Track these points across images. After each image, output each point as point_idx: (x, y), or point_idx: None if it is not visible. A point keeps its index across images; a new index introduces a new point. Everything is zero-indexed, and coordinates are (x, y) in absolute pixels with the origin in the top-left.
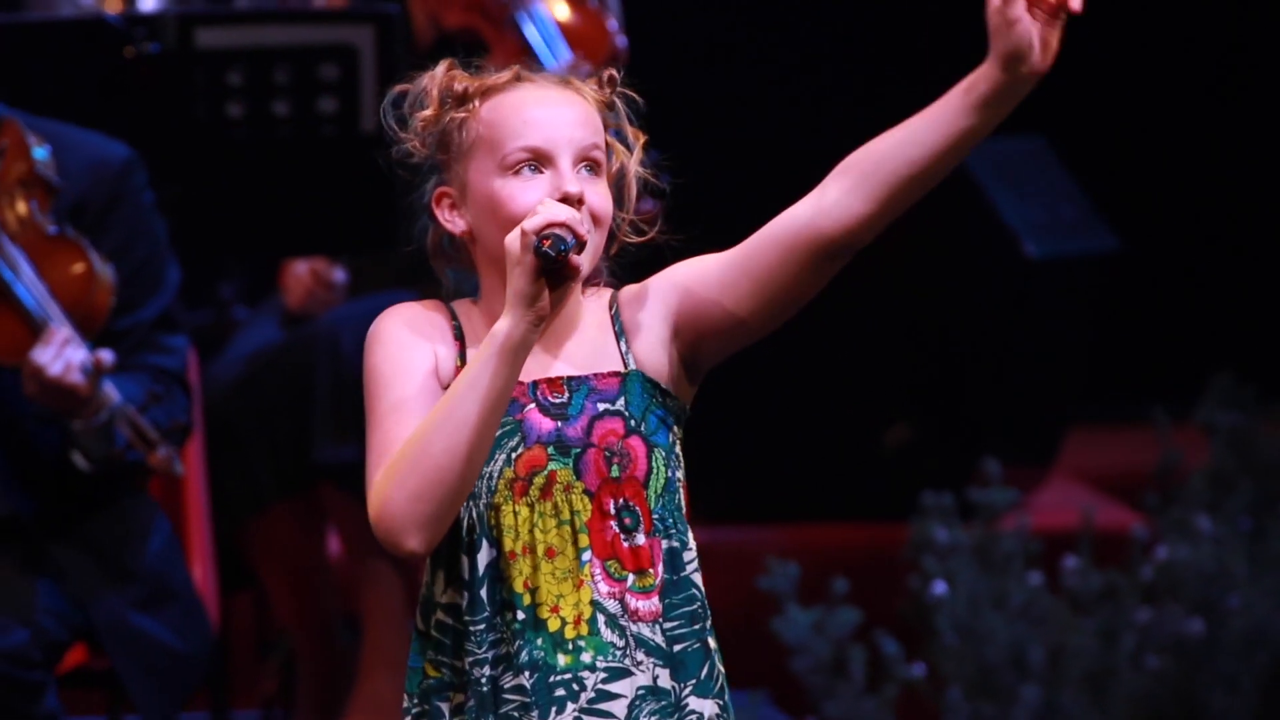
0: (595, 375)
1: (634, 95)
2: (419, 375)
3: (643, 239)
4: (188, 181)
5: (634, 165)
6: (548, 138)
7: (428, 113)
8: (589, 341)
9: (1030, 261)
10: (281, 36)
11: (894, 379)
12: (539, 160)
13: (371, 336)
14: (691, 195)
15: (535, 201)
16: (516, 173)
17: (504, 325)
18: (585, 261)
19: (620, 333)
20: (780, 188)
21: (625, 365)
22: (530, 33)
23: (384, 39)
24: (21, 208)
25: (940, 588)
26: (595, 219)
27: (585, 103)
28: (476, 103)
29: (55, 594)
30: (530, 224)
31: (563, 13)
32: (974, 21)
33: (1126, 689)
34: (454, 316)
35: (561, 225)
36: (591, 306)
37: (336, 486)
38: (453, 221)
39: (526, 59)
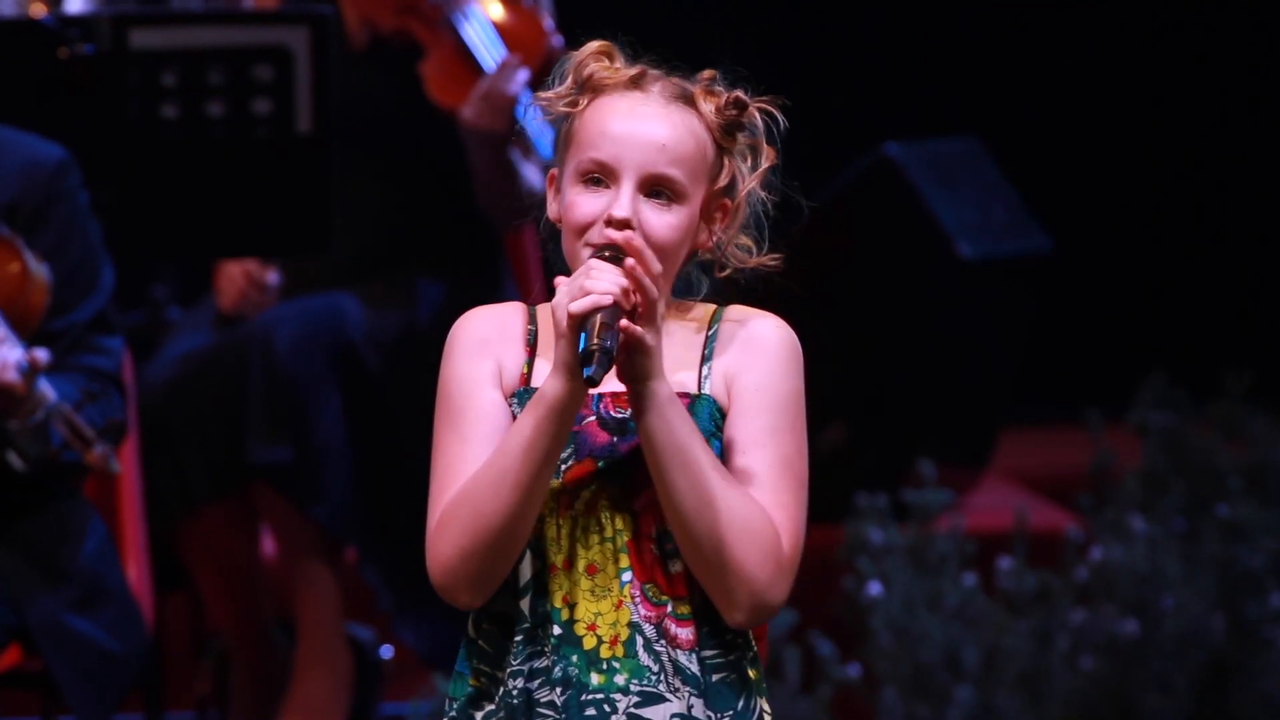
0: None
1: (774, 112)
2: (484, 401)
3: (749, 264)
4: (122, 183)
5: (750, 187)
6: (615, 155)
7: (549, 94)
8: (670, 358)
9: (964, 262)
10: (216, 38)
11: (827, 380)
12: (605, 176)
13: (446, 346)
14: None
15: (593, 214)
16: (586, 182)
17: (550, 387)
18: (650, 334)
19: (709, 356)
20: None
21: (700, 388)
22: (466, 33)
23: (318, 40)
24: None
25: (875, 589)
26: (652, 246)
27: (688, 123)
28: (585, 100)
29: None
30: (577, 306)
31: (497, 12)
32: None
33: (1061, 689)
34: (533, 320)
35: (603, 323)
36: (684, 321)
37: (270, 487)
38: (551, 204)
39: (463, 60)
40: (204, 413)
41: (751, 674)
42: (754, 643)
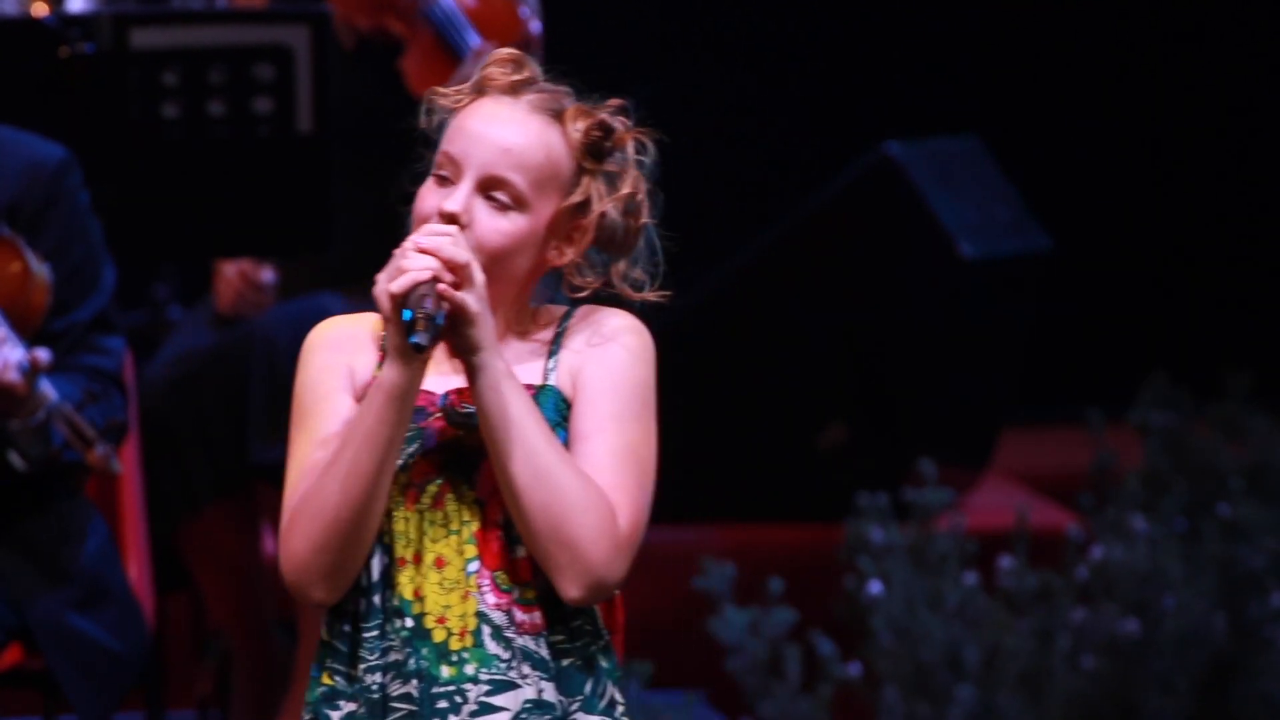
0: None
1: (645, 142)
2: (334, 404)
3: (594, 284)
4: (123, 182)
5: (604, 210)
6: (462, 150)
7: (446, 91)
8: (516, 354)
9: (965, 262)
10: (217, 37)
11: (829, 379)
12: (451, 171)
13: (301, 353)
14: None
15: (434, 208)
16: (436, 175)
17: (387, 374)
18: (471, 299)
19: (555, 350)
20: (710, 189)
21: (544, 379)
22: (442, 24)
23: (319, 39)
24: None
25: (876, 588)
26: (481, 248)
27: (545, 135)
28: (466, 99)
29: None
30: (396, 285)
31: (471, 2)
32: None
33: (1062, 689)
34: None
35: (425, 295)
36: (535, 323)
37: (272, 486)
38: None
39: (441, 53)
40: (205, 412)
41: (603, 662)
42: (605, 632)
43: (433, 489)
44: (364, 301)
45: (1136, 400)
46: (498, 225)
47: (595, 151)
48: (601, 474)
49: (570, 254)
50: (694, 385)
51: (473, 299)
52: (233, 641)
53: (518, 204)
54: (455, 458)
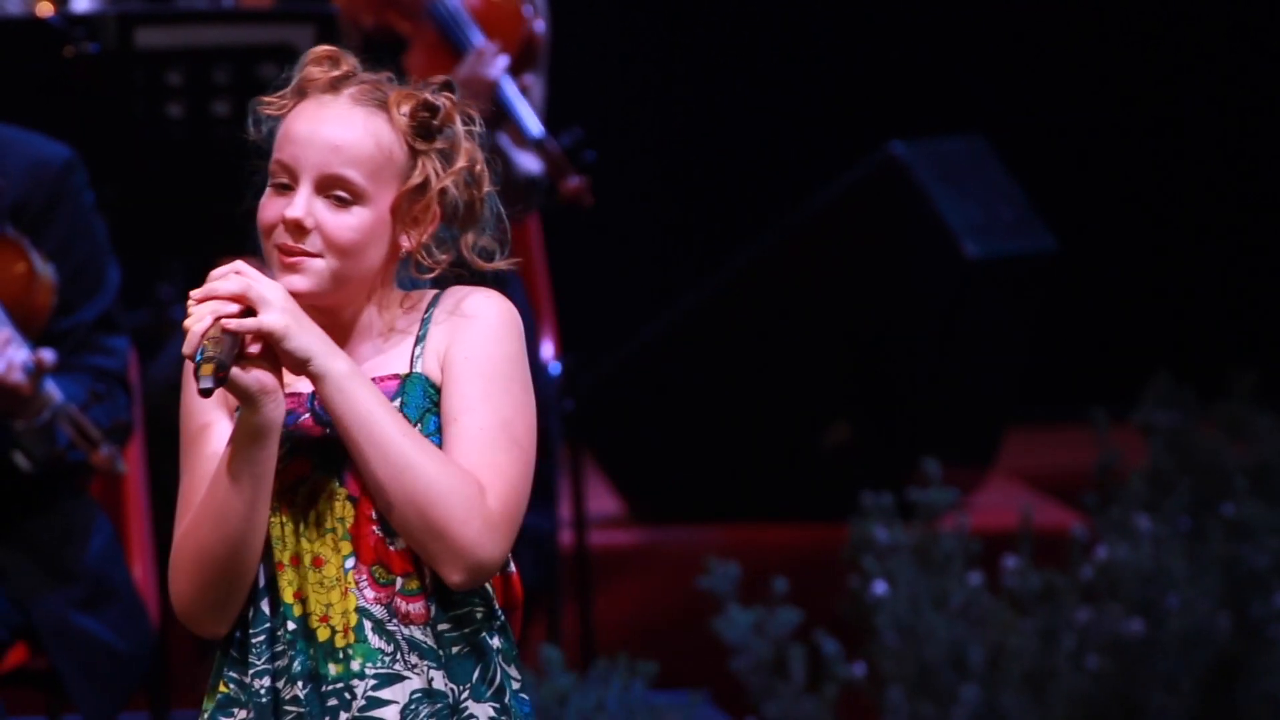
0: (375, 379)
1: (472, 113)
2: (211, 430)
3: (444, 262)
4: (128, 181)
5: (443, 186)
6: (294, 156)
7: (271, 99)
8: (382, 345)
9: (969, 262)
10: (221, 36)
11: (833, 379)
12: (288, 178)
13: (184, 375)
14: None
15: (277, 216)
16: (273, 184)
17: (242, 417)
18: (313, 283)
19: (422, 336)
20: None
21: (411, 367)
22: (444, 21)
23: (324, 39)
24: None
25: (880, 587)
26: (331, 245)
27: (371, 125)
28: (289, 104)
29: None
30: (187, 348)
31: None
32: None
33: (1066, 689)
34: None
35: (207, 339)
36: (403, 311)
37: None
38: None
39: (444, 50)
40: None
41: (496, 643)
42: (500, 613)
43: (304, 490)
44: None
45: (1141, 400)
46: (343, 222)
47: (424, 131)
48: (471, 454)
49: (419, 235)
50: (699, 385)
51: (272, 316)
52: None
53: (357, 198)
54: (325, 457)
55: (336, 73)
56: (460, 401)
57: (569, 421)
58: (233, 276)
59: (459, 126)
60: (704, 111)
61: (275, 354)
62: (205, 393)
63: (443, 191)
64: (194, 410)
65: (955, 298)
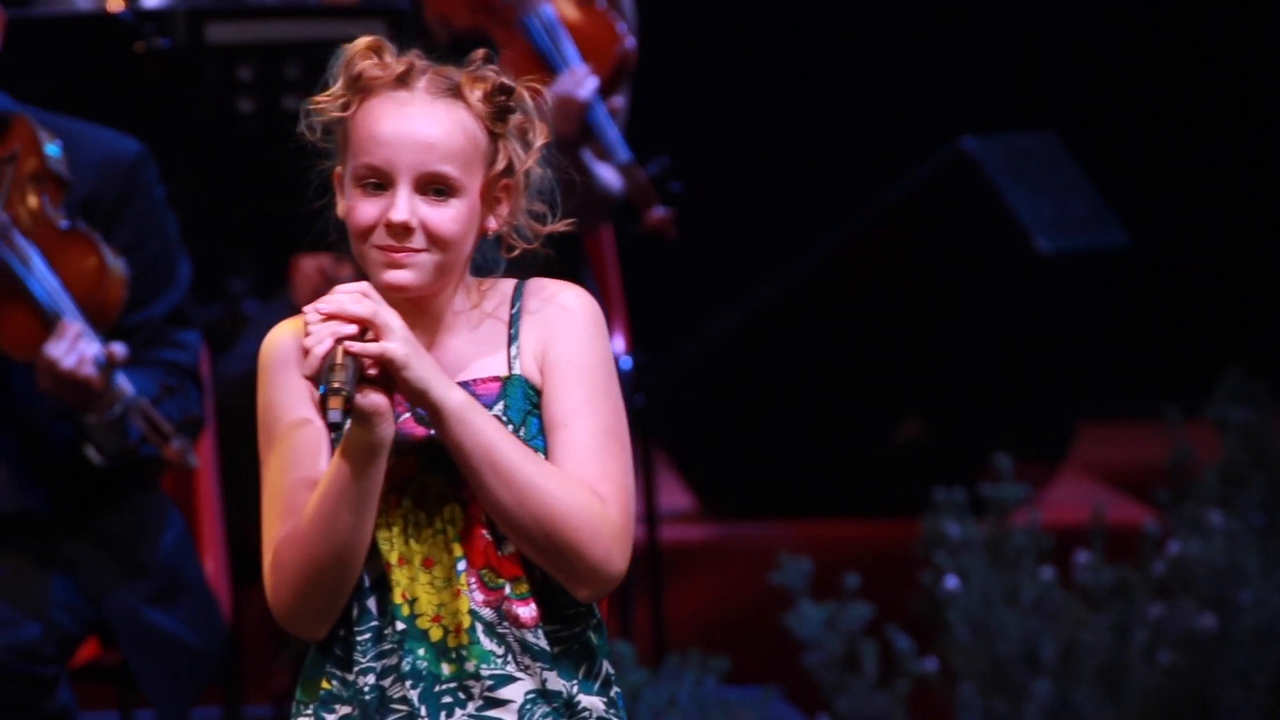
0: (475, 380)
1: (538, 88)
2: (296, 423)
3: (544, 231)
4: (198, 176)
5: (528, 166)
6: (387, 160)
7: (323, 99)
8: (477, 343)
9: (1041, 257)
10: (292, 31)
11: (906, 374)
12: (380, 179)
13: (259, 369)
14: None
15: (373, 219)
16: (364, 186)
17: (351, 434)
18: (419, 277)
19: (515, 336)
20: (779, 185)
21: (509, 369)
22: (538, 34)
23: (395, 34)
24: (33, 202)
25: (952, 583)
26: (435, 241)
27: (456, 117)
28: (355, 102)
29: (68, 589)
30: (306, 369)
31: (571, 14)
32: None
33: (1139, 684)
34: None
35: (335, 365)
36: (485, 305)
37: None
38: (340, 203)
39: (535, 61)
40: None
41: (595, 640)
42: (597, 610)
43: (414, 490)
44: None
45: (1214, 395)
46: (445, 215)
47: (501, 114)
48: (584, 463)
49: (505, 216)
50: (771, 380)
51: (395, 346)
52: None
53: (454, 191)
54: (432, 458)
55: (400, 67)
56: (567, 406)
57: (641, 417)
58: (361, 300)
59: (528, 101)
60: (776, 107)
61: (389, 376)
62: (334, 426)
63: (526, 170)
64: (280, 407)
65: (1027, 293)
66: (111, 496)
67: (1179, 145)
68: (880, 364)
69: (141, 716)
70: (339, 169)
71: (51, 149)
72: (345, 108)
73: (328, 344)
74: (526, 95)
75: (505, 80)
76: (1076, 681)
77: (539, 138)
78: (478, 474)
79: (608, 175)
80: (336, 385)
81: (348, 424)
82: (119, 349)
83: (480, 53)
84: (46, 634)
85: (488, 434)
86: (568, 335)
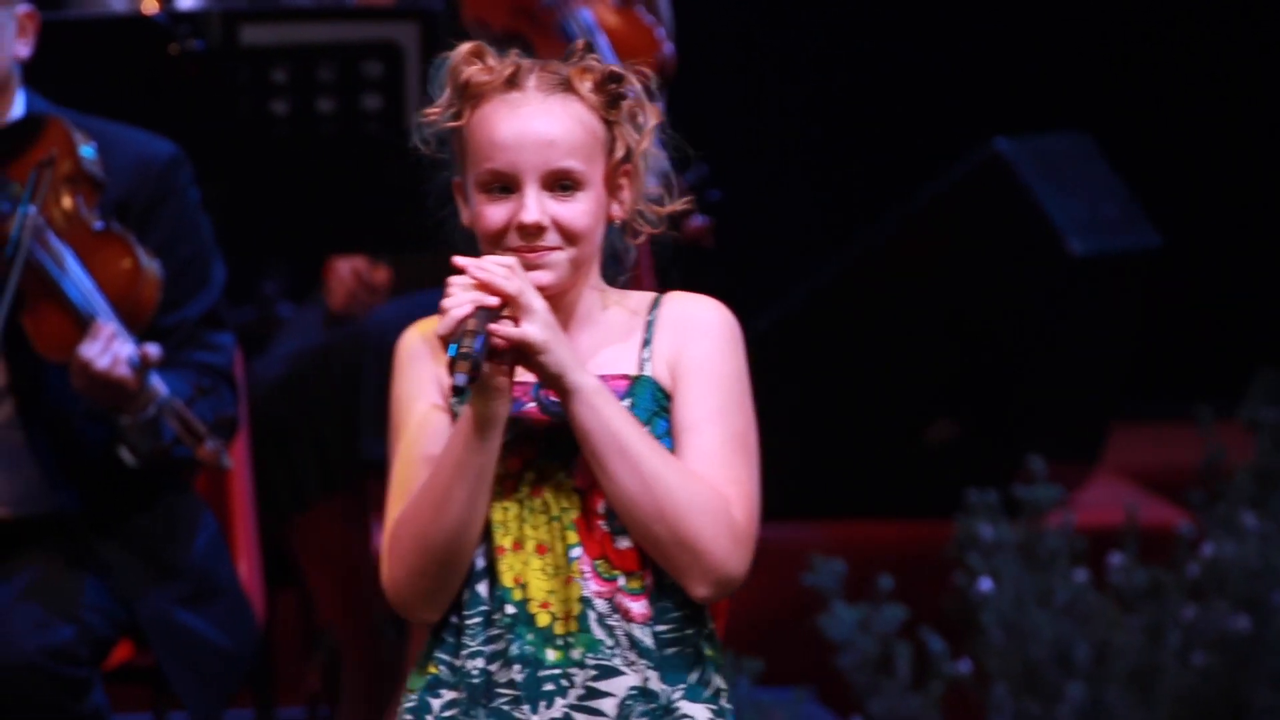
0: (602, 376)
1: (644, 71)
2: (424, 414)
3: (663, 212)
4: (232, 178)
5: (644, 149)
6: (511, 163)
7: (433, 110)
8: (608, 341)
9: (1074, 259)
10: (326, 33)
11: (938, 376)
12: (506, 183)
13: (393, 365)
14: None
15: (503, 222)
16: (488, 192)
17: (471, 405)
18: (557, 275)
19: (649, 339)
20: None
21: (640, 369)
22: (577, 38)
23: (429, 36)
24: (67, 204)
25: (985, 584)
26: (568, 236)
27: (572, 110)
28: (468, 110)
29: (101, 590)
30: (442, 329)
31: (609, 18)
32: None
33: (1172, 686)
34: None
35: (466, 332)
36: (623, 308)
37: (384, 483)
38: (463, 212)
39: None
40: (316, 409)
41: (707, 650)
42: (711, 621)
43: (530, 477)
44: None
45: (1247, 396)
46: (575, 210)
47: (613, 101)
48: (714, 467)
49: (627, 203)
50: (804, 381)
51: (535, 329)
52: (342, 638)
53: (580, 184)
54: (551, 446)
55: (507, 70)
56: (699, 412)
57: None
58: (511, 276)
59: (636, 85)
60: (810, 112)
61: (514, 356)
62: (457, 390)
63: (643, 154)
64: (409, 397)
65: (1060, 294)
66: (144, 498)
67: (1210, 146)
68: (913, 365)
69: (174, 718)
70: (457, 179)
71: (86, 151)
72: (457, 117)
73: (466, 309)
74: (634, 79)
75: (613, 67)
76: (1109, 683)
77: (650, 119)
78: (604, 460)
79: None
80: (465, 350)
81: (468, 395)
82: (153, 350)
83: (580, 43)
84: (79, 636)
85: (618, 421)
86: (704, 343)
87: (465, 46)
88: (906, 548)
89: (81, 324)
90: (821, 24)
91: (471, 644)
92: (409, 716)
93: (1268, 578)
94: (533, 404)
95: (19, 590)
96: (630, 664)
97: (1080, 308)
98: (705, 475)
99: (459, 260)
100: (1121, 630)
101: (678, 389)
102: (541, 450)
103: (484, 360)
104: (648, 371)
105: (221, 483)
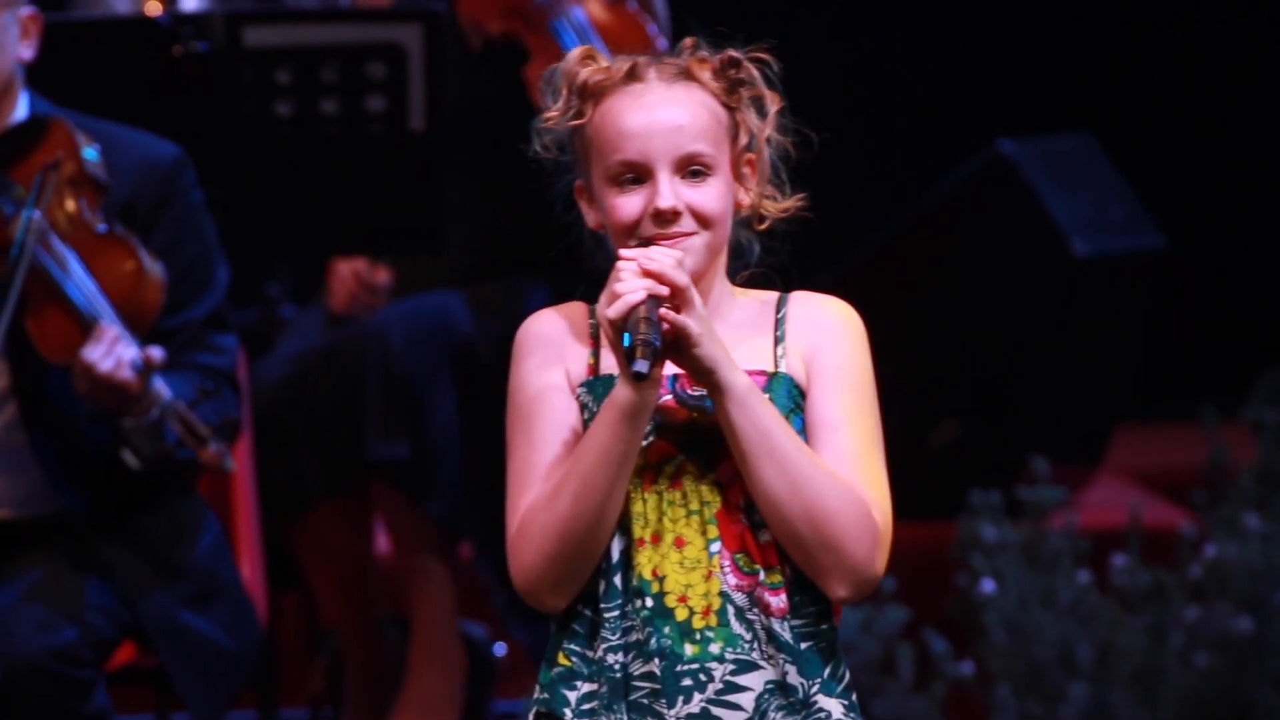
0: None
1: (766, 59)
2: (549, 401)
3: (785, 213)
4: (236, 180)
5: (767, 135)
6: (642, 151)
7: (552, 113)
8: (740, 338)
9: (1078, 260)
10: (329, 35)
11: (942, 377)
12: (637, 173)
13: (514, 351)
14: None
15: (637, 212)
16: (619, 184)
17: (620, 393)
18: (694, 261)
19: (781, 337)
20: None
21: (775, 366)
22: (568, 37)
23: (432, 38)
24: (71, 206)
25: (988, 586)
26: (702, 220)
27: (695, 96)
28: (589, 108)
29: (105, 592)
30: (613, 311)
31: (601, 15)
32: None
33: (1175, 687)
34: (593, 314)
35: (642, 319)
36: (752, 303)
37: (386, 484)
38: (589, 215)
39: None
40: (319, 410)
41: (838, 645)
42: (833, 616)
43: (670, 469)
44: (484, 301)
45: (1250, 397)
46: (707, 194)
47: (733, 88)
48: (852, 468)
49: (754, 190)
50: None
51: (694, 321)
52: (345, 639)
53: (710, 168)
54: (691, 439)
55: (625, 65)
56: (837, 412)
57: None
58: (678, 268)
59: (756, 73)
60: (812, 112)
61: (669, 347)
62: (638, 375)
63: (766, 140)
64: (533, 385)
65: (1064, 295)
66: (148, 500)
67: (1215, 147)
68: (917, 366)
69: (177, 719)
70: (579, 181)
71: (89, 153)
72: (579, 116)
73: (640, 295)
74: (752, 67)
75: (731, 53)
76: (1112, 684)
77: (773, 105)
78: (753, 458)
79: None
80: (645, 338)
81: (644, 379)
82: (156, 353)
83: (689, 41)
84: (83, 637)
85: (767, 420)
86: (839, 343)
87: (576, 51)
88: (909, 549)
89: (85, 327)
90: (824, 24)
91: (610, 637)
92: (543, 710)
93: (1270, 579)
94: (669, 397)
95: (23, 592)
96: (768, 658)
97: (1084, 309)
98: (845, 474)
99: (628, 252)
100: (1124, 631)
101: (813, 388)
102: (681, 445)
103: (661, 349)
104: (783, 368)
105: (224, 484)
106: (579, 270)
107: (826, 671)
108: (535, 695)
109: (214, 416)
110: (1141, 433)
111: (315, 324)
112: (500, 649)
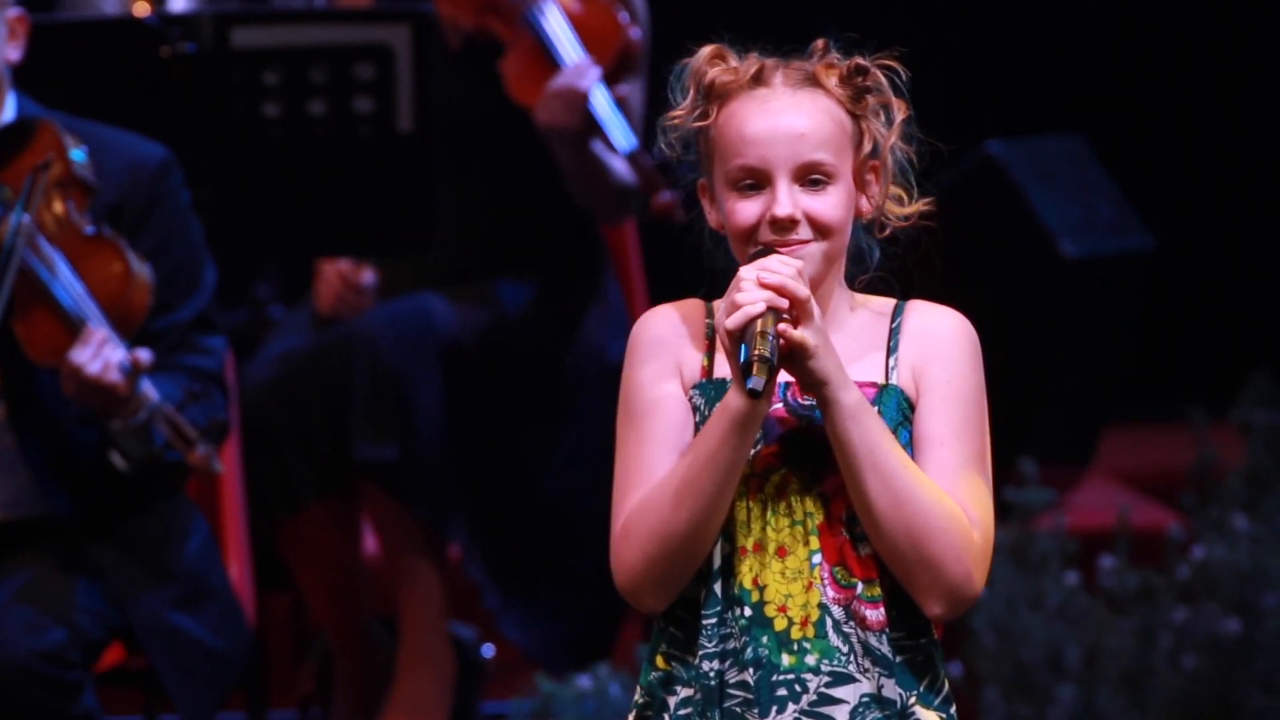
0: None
1: (893, 65)
2: (662, 401)
3: (908, 221)
4: (224, 181)
5: (892, 143)
6: (762, 157)
7: (677, 113)
8: (854, 348)
9: (1067, 261)
10: (317, 36)
11: None
12: (757, 178)
13: (628, 348)
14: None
15: (755, 218)
16: (739, 188)
17: (731, 400)
18: (810, 269)
19: (894, 348)
20: None
21: (886, 378)
22: (543, 29)
23: (420, 38)
24: (58, 208)
25: None
26: (820, 229)
27: (820, 104)
28: (714, 109)
29: (93, 594)
30: (732, 322)
31: (572, 5)
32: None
33: (1163, 689)
34: (710, 314)
35: (759, 333)
36: (868, 311)
37: (375, 485)
38: (709, 214)
39: (540, 57)
40: (307, 411)
41: (936, 655)
42: (933, 629)
43: (775, 479)
44: (466, 301)
45: (1239, 398)
46: (827, 203)
47: (859, 95)
48: (956, 485)
49: (876, 197)
50: None
51: (811, 334)
52: (334, 641)
53: (830, 177)
54: (798, 449)
55: (753, 67)
56: (945, 427)
57: None
58: (799, 280)
59: (883, 80)
60: None
61: (784, 358)
62: (754, 393)
63: (891, 149)
64: (646, 384)
65: (1053, 297)
66: (136, 502)
67: (1205, 148)
68: None
69: None
70: (703, 180)
71: (77, 154)
72: (704, 117)
73: (761, 307)
74: (880, 74)
75: (859, 60)
76: (1101, 686)
77: (899, 114)
78: (859, 473)
79: (621, 168)
80: (762, 354)
81: (759, 394)
82: (144, 355)
83: (820, 42)
84: (71, 639)
85: (875, 435)
86: (951, 357)
87: (706, 50)
88: None
89: (72, 329)
90: (811, 24)
91: (708, 645)
92: (646, 713)
93: (1258, 580)
94: (779, 406)
95: (11, 593)
96: (864, 671)
97: (1073, 310)
98: (950, 491)
99: (749, 266)
100: (1113, 633)
101: (922, 401)
102: (786, 455)
103: (777, 363)
104: (894, 380)
105: (213, 486)
106: (572, 264)
107: (924, 684)
108: (635, 698)
109: (202, 418)
110: (1130, 434)
111: (302, 325)
112: (488, 650)
